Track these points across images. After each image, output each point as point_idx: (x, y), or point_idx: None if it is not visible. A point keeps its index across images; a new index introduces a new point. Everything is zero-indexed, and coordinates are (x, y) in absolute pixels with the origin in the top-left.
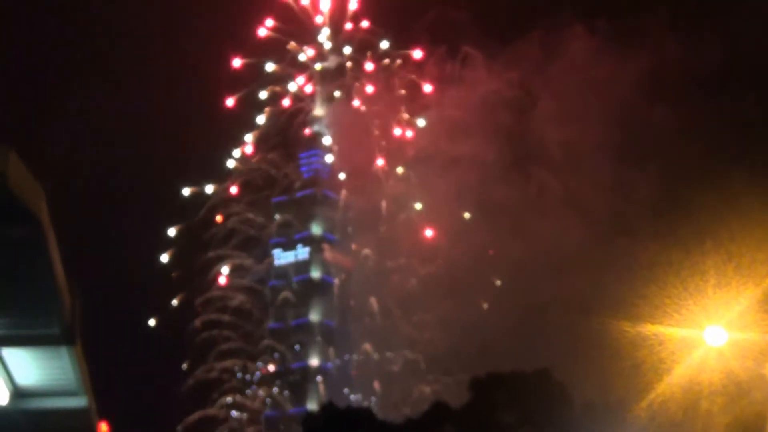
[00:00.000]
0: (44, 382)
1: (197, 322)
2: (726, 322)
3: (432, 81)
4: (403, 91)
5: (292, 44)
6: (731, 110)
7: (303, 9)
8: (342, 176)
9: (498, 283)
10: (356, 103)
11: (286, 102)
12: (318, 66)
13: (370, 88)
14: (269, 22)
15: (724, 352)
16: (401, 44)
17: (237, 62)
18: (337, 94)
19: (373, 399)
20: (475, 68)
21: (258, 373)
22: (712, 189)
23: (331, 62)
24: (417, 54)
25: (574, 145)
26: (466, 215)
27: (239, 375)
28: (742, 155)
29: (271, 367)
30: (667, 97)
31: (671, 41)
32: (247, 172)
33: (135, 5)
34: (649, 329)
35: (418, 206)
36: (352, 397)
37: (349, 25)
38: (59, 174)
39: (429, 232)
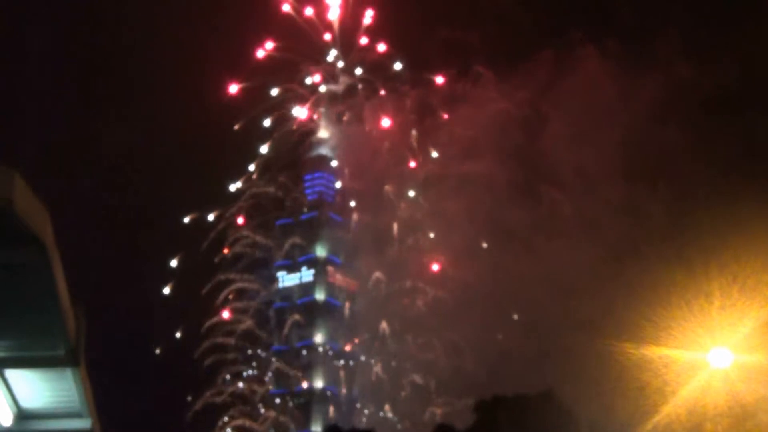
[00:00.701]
0: (48, 403)
1: (201, 349)
2: (731, 344)
3: (443, 103)
4: (413, 116)
5: (301, 67)
6: (742, 133)
7: (310, 23)
8: (348, 198)
9: (516, 317)
10: (365, 124)
11: (291, 123)
12: (323, 88)
13: (386, 122)
14: (270, 45)
15: (729, 374)
16: (411, 64)
17: (234, 88)
18: (345, 115)
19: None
20: (486, 88)
21: (262, 395)
22: (717, 211)
23: (339, 84)
24: (439, 80)
25: (583, 166)
26: (484, 245)
27: (243, 395)
28: (749, 177)
29: (276, 390)
30: (678, 119)
31: (683, 63)
32: (252, 196)
33: (137, 29)
34: (654, 351)
35: (431, 235)
36: (366, 411)
37: (365, 40)
38: (63, 202)
39: (435, 266)
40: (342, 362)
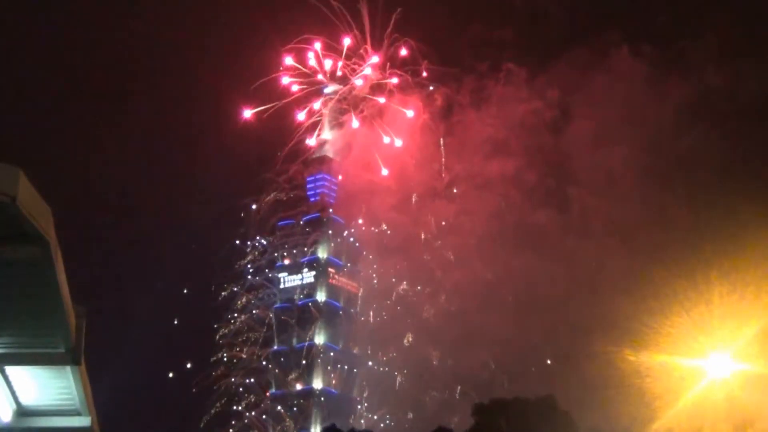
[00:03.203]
0: (48, 401)
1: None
2: (731, 352)
3: (472, 101)
4: (440, 116)
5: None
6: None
7: (339, 18)
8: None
9: (549, 362)
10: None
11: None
12: (328, 89)
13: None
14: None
15: (728, 381)
16: (441, 61)
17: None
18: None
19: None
20: (516, 87)
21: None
22: (718, 221)
23: (368, 80)
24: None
25: (601, 169)
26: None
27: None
28: (756, 187)
29: (275, 391)
30: (705, 125)
31: (716, 69)
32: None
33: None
34: (654, 358)
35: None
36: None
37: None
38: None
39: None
40: (342, 363)
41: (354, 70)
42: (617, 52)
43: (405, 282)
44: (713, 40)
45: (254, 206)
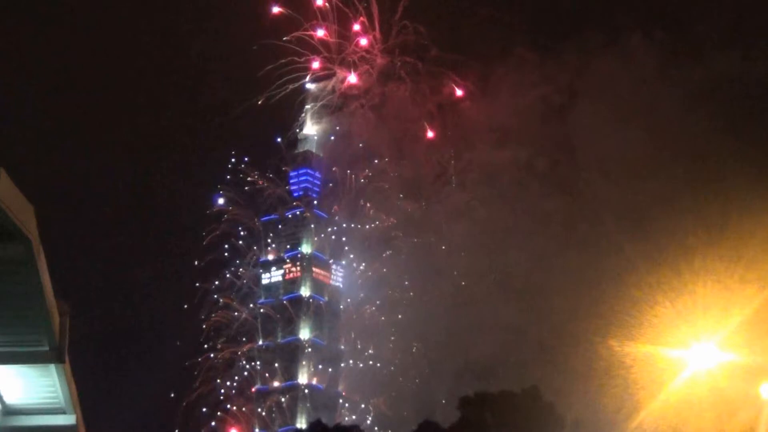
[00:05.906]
0: (33, 399)
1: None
2: (715, 342)
3: (480, 89)
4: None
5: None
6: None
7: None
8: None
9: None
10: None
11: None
12: (311, 85)
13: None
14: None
15: (713, 371)
16: (448, 47)
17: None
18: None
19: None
20: (524, 72)
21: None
22: (702, 211)
23: (375, 67)
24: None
25: (602, 153)
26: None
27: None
28: (741, 178)
29: (261, 386)
30: (713, 111)
31: (727, 52)
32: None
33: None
34: (639, 348)
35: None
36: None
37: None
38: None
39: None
40: (326, 359)
41: (363, 57)
42: (628, 35)
43: (385, 270)
44: (725, 23)
45: (240, 201)
